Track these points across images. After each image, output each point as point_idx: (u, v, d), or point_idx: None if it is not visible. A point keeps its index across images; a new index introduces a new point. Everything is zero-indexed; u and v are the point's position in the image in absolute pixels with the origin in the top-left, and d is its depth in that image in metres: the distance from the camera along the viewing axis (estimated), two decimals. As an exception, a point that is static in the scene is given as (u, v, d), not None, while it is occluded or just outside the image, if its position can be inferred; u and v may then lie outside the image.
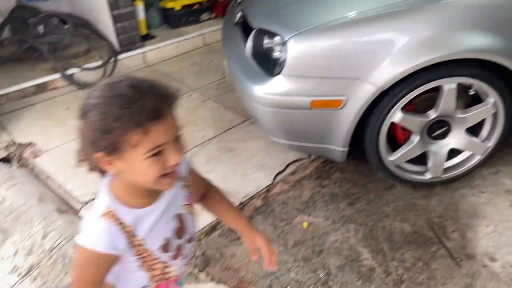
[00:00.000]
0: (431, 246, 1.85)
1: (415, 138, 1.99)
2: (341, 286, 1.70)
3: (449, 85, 1.83)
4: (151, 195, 0.91)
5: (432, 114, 1.93)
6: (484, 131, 2.03)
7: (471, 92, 1.90)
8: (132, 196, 0.88)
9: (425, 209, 2.04)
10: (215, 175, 2.30)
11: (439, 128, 1.99)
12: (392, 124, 1.98)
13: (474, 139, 2.02)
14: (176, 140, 0.82)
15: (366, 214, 2.05)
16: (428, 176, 2.09)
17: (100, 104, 0.76)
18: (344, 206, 2.10)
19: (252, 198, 2.16)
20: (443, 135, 2.01)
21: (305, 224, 2.01)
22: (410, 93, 1.84)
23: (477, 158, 2.08)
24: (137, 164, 0.78)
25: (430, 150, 2.04)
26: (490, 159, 2.19)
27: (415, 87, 1.83)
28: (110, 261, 0.89)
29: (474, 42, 1.78)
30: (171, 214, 0.96)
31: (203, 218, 2.02)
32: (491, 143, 2.03)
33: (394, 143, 2.07)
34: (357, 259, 1.82)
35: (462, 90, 1.93)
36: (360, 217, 2.03)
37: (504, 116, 1.94)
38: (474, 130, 2.04)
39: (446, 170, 2.10)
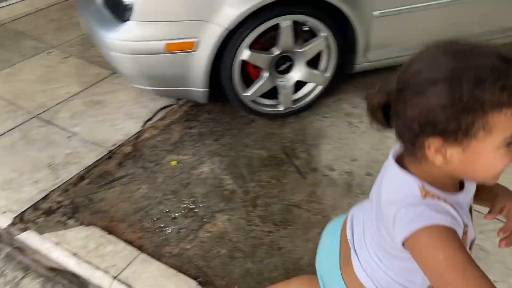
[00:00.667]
0: (283, 165, 2.13)
1: (265, 74, 2.22)
2: (206, 209, 1.90)
3: (285, 23, 2.05)
4: (456, 183, 0.76)
5: (276, 51, 2.16)
6: (322, 63, 2.32)
7: (305, 28, 2.16)
8: (440, 183, 0.71)
9: (279, 136, 2.31)
10: (81, 128, 2.30)
11: (284, 63, 2.24)
12: (244, 62, 2.17)
13: (314, 71, 2.31)
14: None
15: (229, 147, 2.25)
16: (281, 108, 2.35)
17: (456, 77, 0.61)
18: (210, 143, 2.28)
19: (121, 145, 2.22)
20: (288, 70, 2.27)
21: (173, 162, 2.15)
22: (253, 32, 2.03)
23: (319, 88, 2.39)
24: (485, 154, 0.64)
25: (279, 84, 2.28)
26: (333, 89, 2.53)
27: (256, 26, 2.02)
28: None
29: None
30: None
31: (68, 170, 2.05)
32: (329, 74, 2.34)
33: (250, 80, 2.27)
34: (221, 185, 2.02)
35: (299, 26, 2.18)
36: (224, 150, 2.23)
37: (336, 49, 2.25)
38: (315, 63, 2.33)
39: (295, 101, 2.38)
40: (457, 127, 0.62)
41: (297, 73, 2.28)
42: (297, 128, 2.37)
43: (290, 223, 1.84)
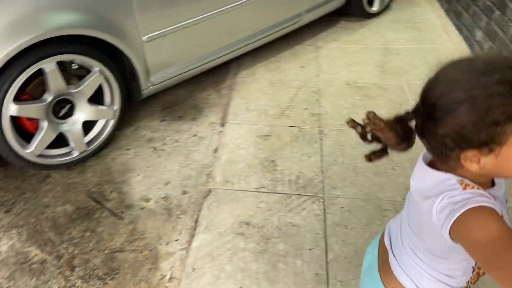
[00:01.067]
0: (94, 214, 1.98)
1: (44, 124, 2.01)
2: (13, 295, 1.63)
3: (48, 66, 1.89)
4: (489, 180, 0.81)
5: (48, 97, 1.98)
6: (107, 97, 2.24)
7: (75, 66, 2.04)
8: (474, 182, 0.77)
9: (82, 184, 2.14)
10: None
11: (63, 107, 2.07)
12: (15, 117, 1.92)
13: (100, 107, 2.21)
14: None
15: (26, 213, 1.98)
16: (75, 154, 2.17)
17: (478, 95, 0.68)
18: (1, 216, 1.96)
19: None
20: (70, 113, 2.11)
21: (-44, 256, 1.77)
22: (13, 84, 1.81)
23: (112, 123, 2.30)
24: None
25: (65, 130, 2.11)
26: (128, 119, 2.48)
27: (15, 77, 1.81)
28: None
29: (61, 20, 1.88)
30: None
31: None
32: (117, 106, 2.27)
33: (29, 134, 2.03)
34: (26, 259, 1.76)
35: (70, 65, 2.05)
36: (20, 219, 1.95)
37: (115, 80, 2.19)
38: (100, 99, 2.23)
39: (90, 142, 2.23)
40: (489, 139, 0.70)
41: (81, 114, 2.14)
42: (101, 169, 2.23)
43: (117, 270, 1.73)
